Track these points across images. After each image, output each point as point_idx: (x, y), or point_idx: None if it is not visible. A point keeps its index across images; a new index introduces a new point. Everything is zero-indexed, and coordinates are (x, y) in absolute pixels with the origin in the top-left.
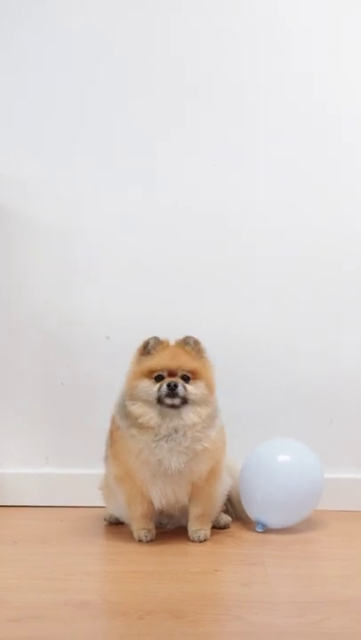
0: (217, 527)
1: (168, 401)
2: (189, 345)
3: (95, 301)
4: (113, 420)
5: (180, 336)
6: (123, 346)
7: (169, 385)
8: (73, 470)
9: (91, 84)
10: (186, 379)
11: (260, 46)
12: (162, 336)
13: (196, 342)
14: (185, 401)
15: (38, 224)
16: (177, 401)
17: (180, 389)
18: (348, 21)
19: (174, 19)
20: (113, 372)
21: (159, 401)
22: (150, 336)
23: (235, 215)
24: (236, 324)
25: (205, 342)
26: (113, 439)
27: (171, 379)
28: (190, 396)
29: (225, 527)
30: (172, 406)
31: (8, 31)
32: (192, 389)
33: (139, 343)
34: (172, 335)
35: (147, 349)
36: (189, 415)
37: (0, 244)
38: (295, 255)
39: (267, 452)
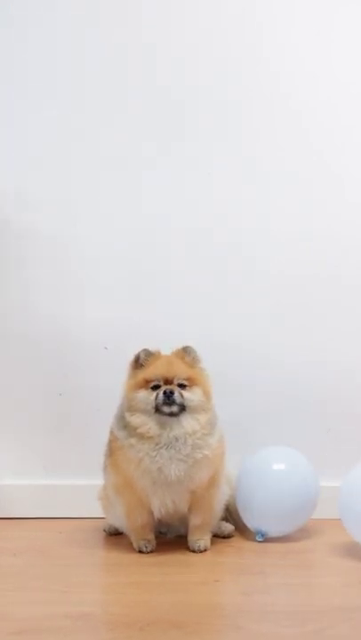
0: (220, 536)
1: (166, 409)
2: (186, 354)
3: (92, 312)
4: (111, 432)
5: (179, 346)
6: (120, 356)
7: (165, 392)
8: (72, 481)
9: (89, 95)
10: (182, 387)
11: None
12: (154, 347)
13: (193, 351)
14: (183, 408)
15: (34, 235)
16: (175, 408)
17: (176, 396)
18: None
19: (174, 29)
20: (111, 382)
21: (157, 410)
22: (140, 349)
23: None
24: (236, 338)
25: (203, 355)
26: (111, 449)
27: (167, 387)
28: (187, 403)
29: (228, 536)
30: (171, 414)
31: (7, 41)
32: (189, 396)
33: (135, 354)
34: (169, 345)
35: (138, 362)
36: (189, 422)
37: None
38: (297, 274)
39: (262, 460)
